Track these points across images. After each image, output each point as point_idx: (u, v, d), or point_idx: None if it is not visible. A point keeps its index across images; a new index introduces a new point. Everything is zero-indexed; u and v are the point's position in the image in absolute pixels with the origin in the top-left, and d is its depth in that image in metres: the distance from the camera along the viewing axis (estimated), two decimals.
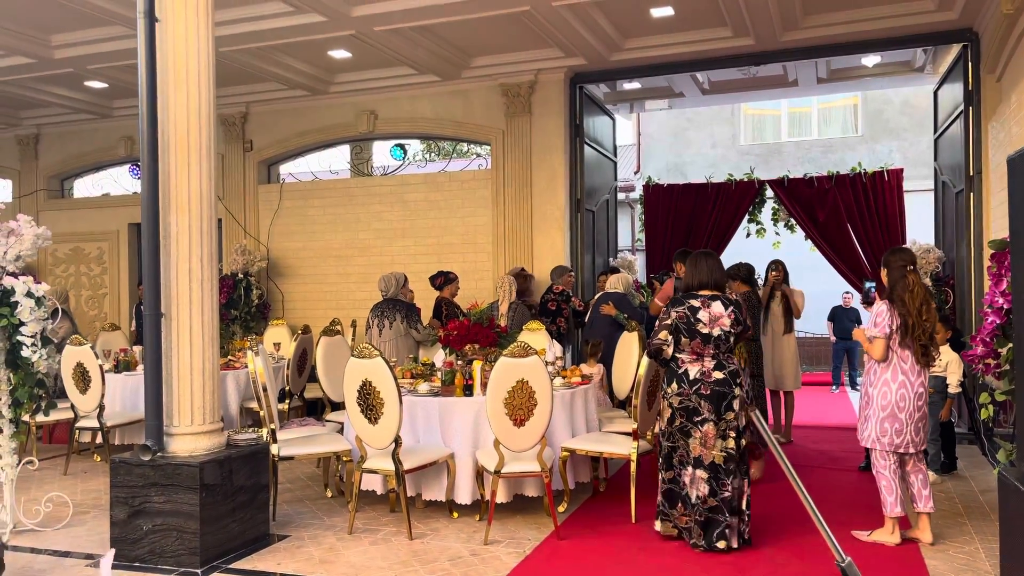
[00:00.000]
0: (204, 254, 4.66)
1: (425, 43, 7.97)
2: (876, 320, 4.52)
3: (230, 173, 10.19)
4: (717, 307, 4.50)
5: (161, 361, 4.58)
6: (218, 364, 4.79)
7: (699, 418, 4.44)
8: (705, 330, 4.46)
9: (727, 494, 4.41)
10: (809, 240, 9.51)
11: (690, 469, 4.47)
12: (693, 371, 4.49)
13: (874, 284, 5.49)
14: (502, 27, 7.64)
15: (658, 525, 4.70)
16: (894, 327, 4.47)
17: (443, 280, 7.75)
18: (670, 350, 4.53)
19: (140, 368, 7.21)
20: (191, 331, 4.60)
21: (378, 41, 7.77)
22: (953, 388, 6.01)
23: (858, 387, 12.21)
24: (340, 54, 8.45)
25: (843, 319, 12.05)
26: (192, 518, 4.39)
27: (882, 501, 4.56)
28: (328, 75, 9.26)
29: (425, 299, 8.49)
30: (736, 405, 4.45)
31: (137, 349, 7.64)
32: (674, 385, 4.53)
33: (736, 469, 4.45)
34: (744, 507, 4.48)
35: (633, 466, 5.19)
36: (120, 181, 11.48)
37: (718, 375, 4.47)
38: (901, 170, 9.08)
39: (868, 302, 5.38)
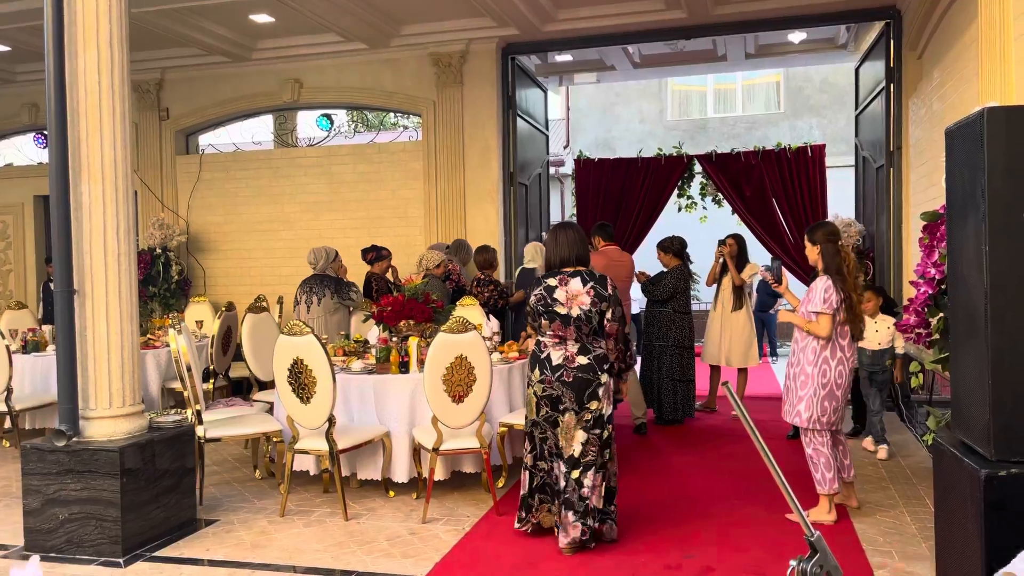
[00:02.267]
0: (120, 226, 4.38)
1: (353, 9, 7.70)
2: (825, 296, 4.44)
3: (145, 143, 9.68)
4: (575, 284, 4.11)
5: (75, 341, 4.30)
6: (138, 343, 4.54)
7: (561, 407, 4.07)
8: (563, 310, 4.07)
9: (584, 491, 4.06)
10: (736, 215, 9.67)
11: (556, 460, 4.13)
12: (556, 356, 4.10)
13: (779, 261, 5.38)
14: None
15: (521, 523, 4.27)
16: (839, 303, 4.45)
17: (375, 255, 7.54)
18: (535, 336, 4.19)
19: (51, 349, 6.82)
20: (107, 308, 4.33)
21: (303, 6, 7.45)
22: (900, 348, 6.01)
23: (776, 358, 12.56)
24: (263, 19, 8.09)
25: (762, 292, 12.35)
26: (112, 505, 4.17)
27: (818, 480, 4.54)
28: (250, 41, 8.87)
29: (359, 276, 8.30)
30: (601, 393, 4.08)
31: (47, 328, 7.22)
32: (536, 371, 4.13)
33: (594, 463, 4.08)
34: (604, 505, 4.17)
35: None
36: (24, 151, 10.80)
37: (582, 360, 4.07)
38: (823, 146, 9.27)
39: (778, 280, 5.28)
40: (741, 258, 7.77)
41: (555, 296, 4.10)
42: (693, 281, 7.99)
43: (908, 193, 7.49)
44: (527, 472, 4.27)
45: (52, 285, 8.80)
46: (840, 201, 9.98)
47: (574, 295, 4.10)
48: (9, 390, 6.26)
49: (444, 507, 4.92)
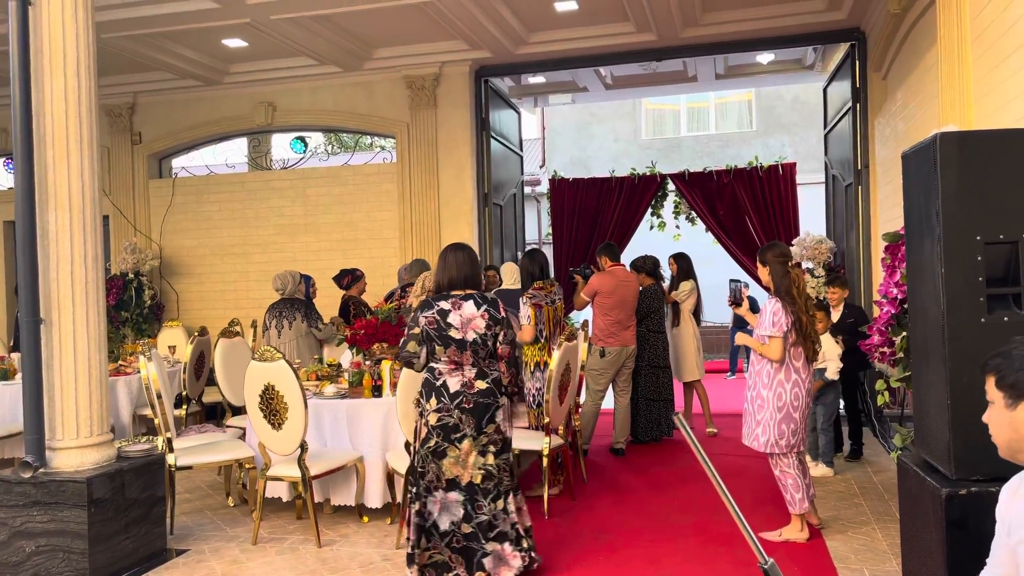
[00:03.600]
0: (88, 254, 4.35)
1: (325, 33, 7.73)
2: (774, 319, 4.43)
3: (117, 167, 9.63)
4: (469, 308, 3.94)
5: (41, 371, 4.25)
6: (107, 372, 4.49)
7: (457, 435, 3.88)
8: (458, 335, 3.89)
9: (483, 518, 3.88)
10: (710, 232, 9.76)
11: (440, 493, 3.89)
12: (453, 383, 3.90)
13: (739, 282, 5.31)
14: (405, 18, 7.48)
15: (412, 573, 3.95)
16: (789, 325, 4.45)
17: (350, 279, 7.51)
18: (421, 361, 4.00)
19: (19, 377, 6.72)
20: (75, 337, 4.29)
21: (275, 30, 7.48)
22: (832, 375, 5.96)
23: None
24: (235, 43, 8.10)
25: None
26: (80, 537, 4.11)
27: (788, 500, 4.56)
28: (223, 65, 8.87)
29: (331, 297, 8.28)
30: (500, 416, 3.95)
31: (15, 356, 7.12)
32: (432, 400, 3.91)
33: (496, 488, 3.92)
34: (517, 532, 3.96)
35: (545, 461, 5.18)
36: None
37: (481, 385, 3.92)
38: (794, 164, 9.41)
39: (737, 302, 5.20)
40: (683, 276, 7.81)
41: (449, 320, 3.92)
42: (666, 300, 8.02)
43: (876, 211, 7.61)
44: (409, 519, 4.00)
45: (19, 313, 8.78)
46: (812, 218, 10.10)
47: (468, 319, 3.93)
48: None
49: None
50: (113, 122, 9.55)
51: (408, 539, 4.01)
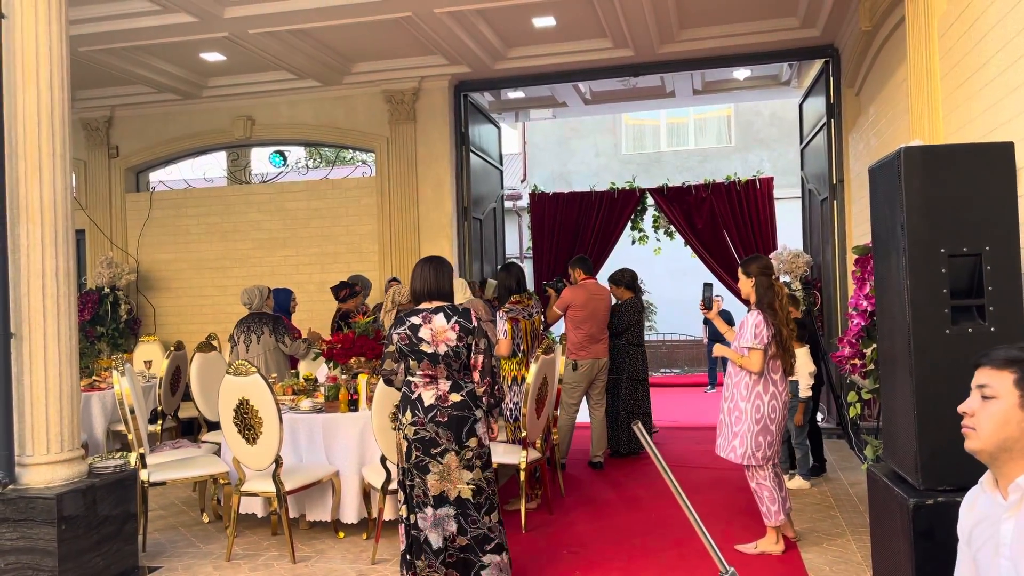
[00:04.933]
0: (60, 268, 4.31)
1: (304, 47, 7.74)
2: (756, 331, 4.45)
3: (94, 181, 9.56)
4: (439, 321, 3.93)
5: (11, 385, 4.19)
6: (78, 387, 4.44)
7: (438, 449, 3.86)
8: (430, 349, 3.89)
9: (479, 531, 3.89)
10: (689, 246, 9.83)
11: (430, 510, 3.87)
12: (428, 396, 3.90)
13: (711, 286, 5.29)
14: (384, 33, 7.51)
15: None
16: (770, 338, 4.47)
17: (348, 292, 7.43)
18: (400, 378, 4.01)
19: None
20: (46, 352, 4.24)
21: (254, 44, 7.47)
22: (804, 392, 6.00)
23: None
24: (213, 57, 8.08)
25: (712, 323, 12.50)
26: (49, 555, 4.05)
27: (764, 512, 4.58)
28: (201, 79, 8.84)
29: (310, 311, 8.26)
30: (480, 430, 3.94)
31: None
32: (408, 414, 3.91)
33: (488, 502, 3.94)
34: (505, 544, 4.01)
35: (523, 475, 5.17)
36: None
37: (455, 398, 3.90)
38: (771, 179, 9.51)
39: (707, 306, 5.17)
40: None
41: (420, 335, 3.92)
42: (648, 313, 8.05)
43: (851, 225, 7.69)
44: (402, 526, 4.01)
45: None
46: (790, 232, 10.21)
47: (439, 331, 3.92)
48: None
49: (394, 547, 4.84)
50: (90, 135, 9.49)
51: (402, 553, 4.01)
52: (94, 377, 7.13)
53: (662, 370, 15.51)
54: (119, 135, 9.58)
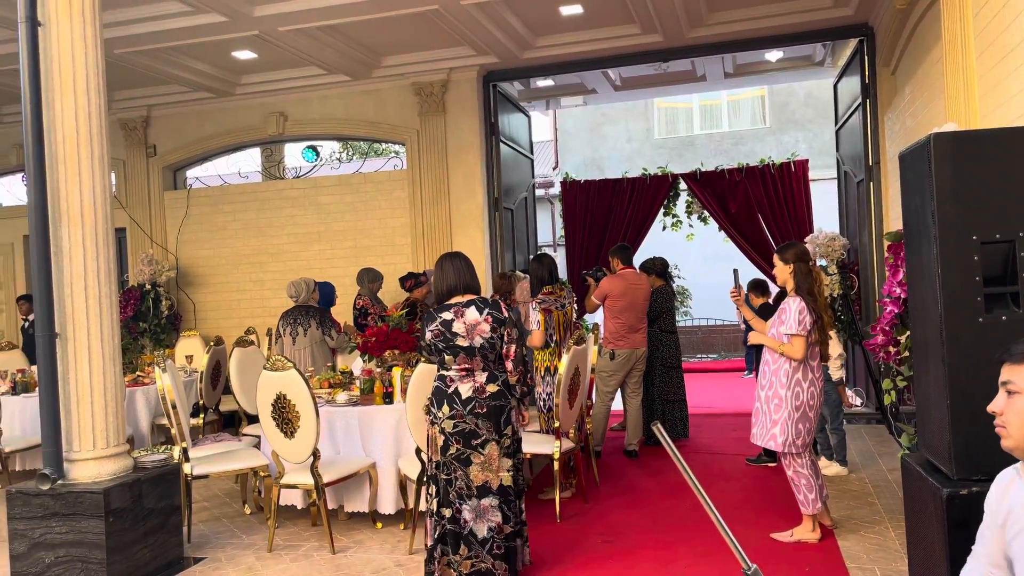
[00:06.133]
0: (101, 269, 4.43)
1: (333, 43, 7.80)
2: (799, 318, 4.41)
3: (133, 180, 9.77)
4: (472, 314, 3.96)
5: (57, 384, 4.33)
6: (122, 384, 4.57)
7: (478, 440, 3.90)
8: (465, 342, 3.93)
9: (521, 516, 4.02)
10: (722, 231, 9.74)
11: (474, 501, 3.91)
12: (465, 389, 3.93)
13: (738, 271, 5.26)
14: (412, 26, 7.53)
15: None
16: (811, 324, 4.43)
17: (414, 282, 7.49)
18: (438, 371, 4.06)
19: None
20: (90, 351, 4.37)
21: (284, 41, 7.56)
22: (836, 373, 5.98)
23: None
24: (245, 55, 8.19)
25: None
26: (98, 547, 4.18)
27: (801, 501, 4.55)
28: (233, 76, 8.97)
29: (346, 304, 8.35)
30: (514, 418, 4.01)
31: (34, 369, 7.25)
32: (445, 408, 3.93)
33: (522, 487, 4.05)
34: (525, 530, 4.12)
35: (557, 465, 5.20)
36: (13, 191, 10.87)
37: (492, 388, 3.94)
38: (806, 161, 9.37)
39: (737, 287, 5.08)
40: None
41: (454, 330, 3.94)
42: (683, 299, 8.02)
43: (887, 207, 7.56)
44: (431, 519, 4.04)
45: (26, 325, 8.91)
46: (827, 214, 10.06)
47: (473, 325, 3.95)
48: None
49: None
50: (128, 135, 9.69)
51: (427, 546, 4.05)
52: (138, 372, 7.31)
53: (698, 356, 15.40)
54: (156, 134, 9.76)
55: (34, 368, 7.35)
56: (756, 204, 9.33)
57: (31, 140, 4.30)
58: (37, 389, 6.87)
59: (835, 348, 5.97)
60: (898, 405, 6.03)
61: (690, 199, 9.90)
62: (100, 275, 4.42)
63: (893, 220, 7.20)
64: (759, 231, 9.38)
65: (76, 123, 4.38)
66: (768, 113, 17.73)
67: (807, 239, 8.28)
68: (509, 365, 4.04)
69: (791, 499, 4.76)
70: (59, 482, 4.28)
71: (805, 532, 4.57)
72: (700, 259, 15.26)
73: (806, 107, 17.15)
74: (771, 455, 6.22)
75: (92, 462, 4.34)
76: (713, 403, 9.92)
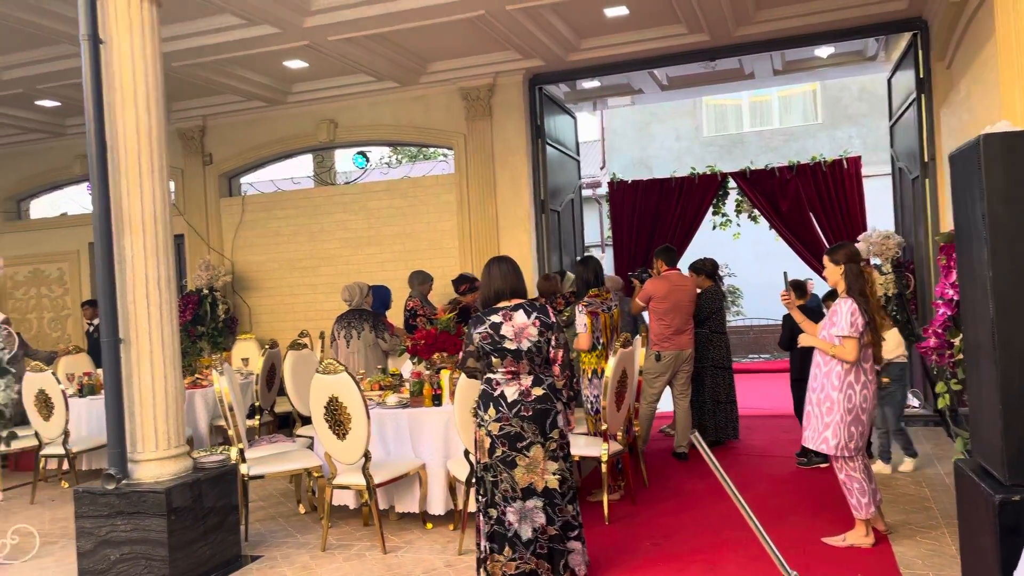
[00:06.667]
0: (162, 276, 4.60)
1: (381, 50, 7.93)
2: (851, 319, 4.36)
3: (190, 187, 10.07)
4: (520, 318, 4.02)
5: (121, 388, 4.51)
6: (181, 388, 4.73)
7: (523, 443, 3.96)
8: (513, 345, 3.99)
9: (563, 519, 4.02)
10: (773, 230, 9.62)
11: (518, 503, 3.96)
12: (511, 392, 3.99)
13: (787, 275, 5.29)
14: (458, 32, 7.62)
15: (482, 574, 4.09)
16: (864, 326, 4.38)
17: (468, 287, 7.57)
18: (482, 375, 4.12)
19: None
20: (151, 355, 4.54)
21: (333, 50, 7.72)
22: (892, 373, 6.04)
23: None
24: (296, 64, 8.38)
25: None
26: (160, 545, 4.35)
27: (854, 505, 4.50)
28: (285, 85, 9.17)
29: (398, 307, 8.47)
30: (560, 422, 4.05)
31: (100, 372, 7.53)
32: (491, 410, 3.99)
33: (570, 491, 4.06)
34: (583, 533, 4.13)
35: (604, 467, 5.22)
36: (78, 200, 11.31)
37: (538, 392, 4.00)
38: (859, 158, 9.19)
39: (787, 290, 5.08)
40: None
41: (502, 332, 4.00)
42: (734, 298, 7.97)
43: (943, 205, 7.38)
44: (481, 519, 4.11)
45: (91, 329, 9.24)
46: (883, 211, 9.84)
47: (521, 328, 4.00)
48: (66, 433, 6.54)
49: None
50: (186, 144, 9.98)
51: (478, 544, 4.11)
52: (196, 375, 7.53)
53: (750, 356, 15.21)
54: (212, 143, 10.04)
55: (99, 371, 7.64)
56: (808, 202, 9.19)
57: (95, 153, 4.48)
58: (102, 391, 7.18)
59: (901, 345, 5.96)
60: (955, 408, 5.92)
61: (739, 198, 9.80)
62: (161, 283, 4.59)
63: (949, 218, 7.02)
64: (811, 230, 9.23)
65: (137, 136, 4.55)
66: (820, 108, 17.40)
67: (860, 237, 8.13)
68: (556, 369, 4.08)
69: (844, 502, 4.70)
70: (123, 482, 4.45)
71: (858, 537, 4.51)
72: (752, 258, 15.05)
73: (860, 101, 16.79)
74: (822, 456, 6.18)
75: (154, 463, 4.51)
76: (764, 404, 9.80)
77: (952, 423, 7.03)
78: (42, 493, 6.79)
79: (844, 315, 4.41)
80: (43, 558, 5.13)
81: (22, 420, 6.77)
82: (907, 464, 6.10)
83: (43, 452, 6.71)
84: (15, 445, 6.42)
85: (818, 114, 17.47)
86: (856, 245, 7.96)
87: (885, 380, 6.04)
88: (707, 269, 7.48)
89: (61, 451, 6.59)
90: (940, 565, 4.17)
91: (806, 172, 9.18)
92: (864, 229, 8.72)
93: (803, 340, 4.71)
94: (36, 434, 6.66)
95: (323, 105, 9.48)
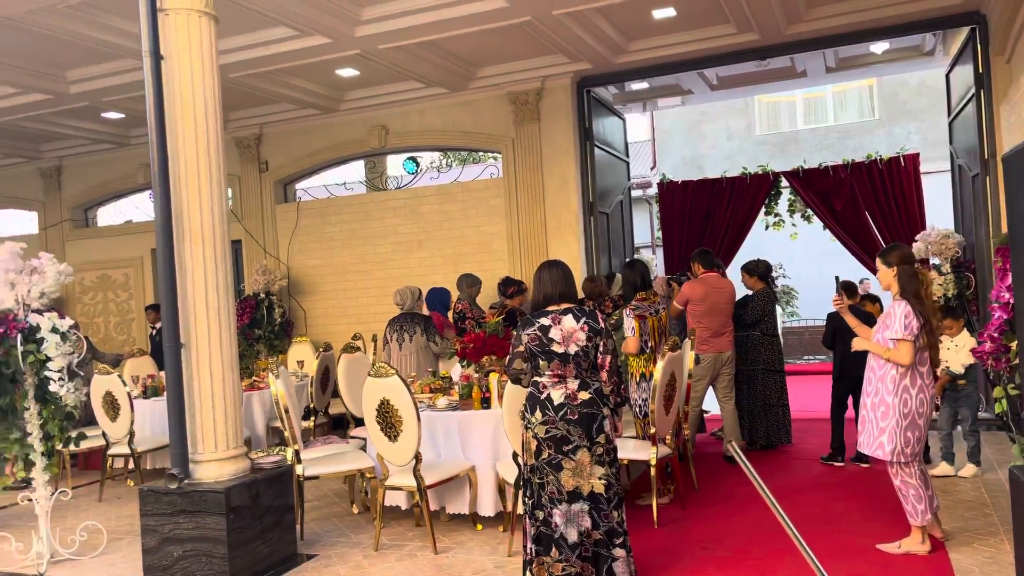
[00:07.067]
0: (220, 283, 4.76)
1: (430, 57, 8.05)
2: (905, 322, 4.29)
3: (247, 194, 10.34)
4: (569, 322, 4.05)
5: (183, 391, 4.68)
6: (239, 391, 4.88)
7: (569, 446, 3.99)
8: (561, 349, 4.01)
9: (609, 525, 4.01)
10: (828, 230, 9.45)
11: (564, 506, 3.99)
12: (557, 395, 4.02)
13: (839, 278, 5.25)
14: (506, 37, 7.69)
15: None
16: (919, 329, 4.29)
17: (515, 289, 7.64)
18: (529, 377, 4.13)
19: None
20: (211, 359, 4.70)
21: (384, 58, 7.86)
22: (958, 368, 6.00)
23: None
24: (348, 72, 8.55)
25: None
26: (220, 543, 4.49)
27: (909, 511, 4.42)
28: (337, 93, 9.37)
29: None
30: (607, 427, 4.05)
31: (163, 374, 7.79)
32: (538, 413, 4.03)
33: (616, 497, 4.05)
34: (628, 539, 4.10)
35: (653, 471, 5.22)
36: (141, 207, 11.70)
37: (584, 396, 4.01)
38: (917, 155, 8.98)
39: (847, 294, 5.03)
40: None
41: (550, 336, 4.03)
42: (789, 298, 7.89)
43: (1005, 203, 7.17)
44: (527, 520, 4.13)
45: (154, 333, 9.55)
46: (944, 209, 9.59)
47: (569, 333, 4.03)
48: (131, 433, 6.79)
49: None
50: (243, 152, 10.26)
51: (525, 547, 4.15)
52: (254, 377, 7.75)
53: (805, 357, 14.95)
54: (268, 150, 10.30)
55: (162, 373, 7.92)
56: (863, 202, 9.01)
57: (157, 165, 4.65)
58: (165, 393, 7.43)
59: (968, 345, 5.87)
60: (1017, 412, 5.77)
61: (792, 197, 9.66)
62: (219, 290, 4.74)
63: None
64: (867, 230, 9.06)
65: (196, 147, 4.72)
66: (877, 104, 17.02)
67: (919, 237, 7.95)
68: (604, 376, 4.09)
69: (900, 508, 4.62)
70: (185, 481, 4.62)
71: (914, 544, 4.43)
72: (807, 257, 14.80)
73: (919, 96, 16.37)
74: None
75: (214, 463, 4.67)
76: (819, 406, 9.62)
77: (1015, 427, 6.84)
78: (109, 491, 7.06)
79: (898, 318, 4.34)
80: (111, 554, 5.34)
81: (90, 421, 7.06)
82: (967, 469, 5.97)
83: (110, 452, 6.98)
84: (84, 445, 6.65)
85: (875, 110, 17.09)
86: (914, 245, 7.85)
87: (961, 382, 5.97)
88: (759, 271, 7.40)
89: (127, 451, 6.84)
90: (998, 573, 4.07)
91: (861, 170, 9.01)
92: (923, 228, 8.52)
93: (857, 344, 4.63)
94: (103, 434, 6.93)
95: (374, 112, 9.65)
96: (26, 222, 12.53)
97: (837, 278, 5.10)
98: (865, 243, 9.05)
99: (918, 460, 4.43)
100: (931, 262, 7.93)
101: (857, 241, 9.13)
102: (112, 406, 6.78)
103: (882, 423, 4.41)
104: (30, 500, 5.16)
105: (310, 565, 4.88)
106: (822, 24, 7.69)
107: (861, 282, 12.02)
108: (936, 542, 4.49)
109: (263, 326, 9.67)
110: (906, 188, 8.87)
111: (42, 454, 5.09)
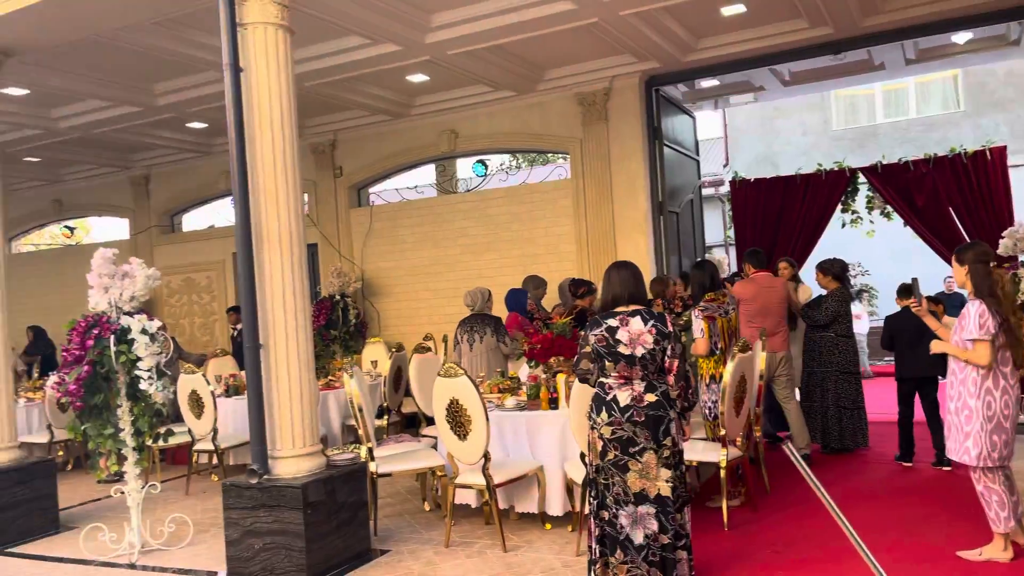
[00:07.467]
0: (296, 286, 4.93)
1: (498, 61, 8.14)
2: (980, 321, 4.16)
3: (323, 199, 10.65)
4: (636, 324, 4.01)
5: (262, 390, 4.87)
6: (315, 390, 5.05)
7: (636, 448, 3.96)
8: (628, 351, 3.97)
9: (676, 528, 3.97)
10: (909, 227, 9.15)
11: (631, 507, 3.96)
12: (623, 397, 3.99)
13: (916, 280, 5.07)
14: (573, 39, 7.71)
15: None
16: (997, 328, 4.15)
17: (585, 290, 7.71)
18: (595, 377, 4.10)
19: None
20: (288, 360, 4.88)
21: (453, 63, 7.99)
22: None
23: None
24: (418, 78, 8.72)
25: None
26: (298, 536, 4.66)
27: (992, 518, 4.28)
28: (408, 99, 9.55)
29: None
30: (674, 429, 4.01)
31: (243, 374, 8.09)
32: (604, 414, 4.00)
33: (681, 500, 4.01)
34: (689, 542, 4.07)
35: (723, 473, 5.17)
36: (223, 213, 12.18)
37: (650, 398, 3.97)
38: (1004, 148, 8.61)
39: (918, 300, 4.85)
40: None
41: (617, 337, 4.00)
42: (868, 298, 7.69)
43: None
44: (593, 521, 4.12)
45: (235, 334, 9.92)
46: None
47: (637, 335, 3.99)
48: (215, 430, 7.08)
49: None
50: (318, 158, 10.57)
51: (590, 547, 4.16)
52: (330, 377, 7.98)
53: (885, 358, 14.47)
54: (342, 156, 10.58)
55: (243, 373, 8.23)
56: (947, 197, 8.69)
57: (236, 173, 4.86)
58: (246, 392, 7.72)
59: None
60: None
61: (870, 194, 9.38)
62: (296, 293, 4.92)
63: None
64: (951, 226, 8.73)
65: (273, 156, 4.91)
66: (962, 95, 16.34)
67: (1005, 233, 7.64)
68: (671, 379, 4.06)
69: (982, 513, 4.46)
70: (265, 477, 4.81)
71: (995, 551, 4.28)
72: (887, 256, 14.33)
73: (1007, 86, 15.65)
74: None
75: (292, 460, 4.85)
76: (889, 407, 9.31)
77: None
78: (195, 485, 7.39)
79: (972, 318, 4.21)
80: (196, 546, 5.60)
81: (177, 418, 7.40)
82: None
83: (195, 448, 7.30)
84: (172, 441, 7.00)
85: (960, 101, 16.41)
86: (1000, 241, 7.53)
87: None
88: (834, 270, 7.22)
89: (211, 447, 7.14)
90: None
91: (944, 164, 8.69)
92: (1010, 224, 8.17)
93: (935, 347, 4.50)
94: (189, 431, 7.25)
95: (444, 116, 9.81)
96: (118, 229, 13.19)
97: (915, 280, 4.95)
98: (949, 240, 8.71)
99: (1005, 464, 4.28)
100: (1020, 259, 7.60)
101: (940, 238, 8.80)
102: (197, 404, 7.08)
103: (967, 427, 4.26)
104: (122, 493, 5.47)
105: (383, 560, 5.01)
106: (900, 15, 7.47)
107: (944, 280, 11.58)
108: (1019, 549, 4.32)
109: (338, 327, 9.93)
110: (992, 182, 8.52)
111: (133, 449, 5.38)
